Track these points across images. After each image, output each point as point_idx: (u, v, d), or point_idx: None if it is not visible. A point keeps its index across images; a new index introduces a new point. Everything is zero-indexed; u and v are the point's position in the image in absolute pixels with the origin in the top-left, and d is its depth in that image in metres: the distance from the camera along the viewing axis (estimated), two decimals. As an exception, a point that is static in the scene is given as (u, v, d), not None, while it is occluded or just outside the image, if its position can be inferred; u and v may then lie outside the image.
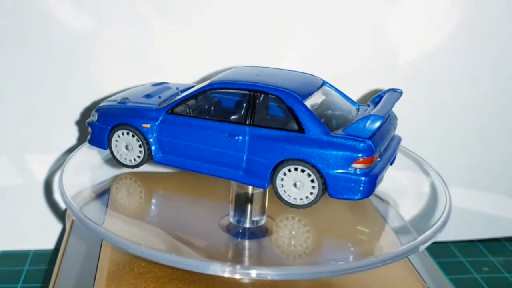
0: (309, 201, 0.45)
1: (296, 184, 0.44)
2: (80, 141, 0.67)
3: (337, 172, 0.43)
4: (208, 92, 0.48)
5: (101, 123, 0.51)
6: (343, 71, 0.68)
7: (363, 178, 0.43)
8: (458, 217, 0.69)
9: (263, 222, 0.50)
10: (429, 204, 0.55)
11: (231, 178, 0.47)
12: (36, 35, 0.62)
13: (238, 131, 0.46)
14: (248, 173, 0.46)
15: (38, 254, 0.70)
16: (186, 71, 0.65)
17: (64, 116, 0.66)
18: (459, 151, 0.73)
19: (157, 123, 0.49)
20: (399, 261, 0.48)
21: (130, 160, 0.51)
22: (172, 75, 0.65)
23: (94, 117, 0.52)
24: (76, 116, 0.66)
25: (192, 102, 0.49)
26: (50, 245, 0.71)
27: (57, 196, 0.69)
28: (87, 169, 0.58)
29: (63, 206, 0.69)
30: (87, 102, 0.66)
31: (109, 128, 0.51)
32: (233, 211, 0.50)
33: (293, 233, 0.51)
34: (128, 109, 0.50)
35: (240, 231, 0.49)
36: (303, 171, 0.44)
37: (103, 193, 0.56)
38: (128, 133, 0.50)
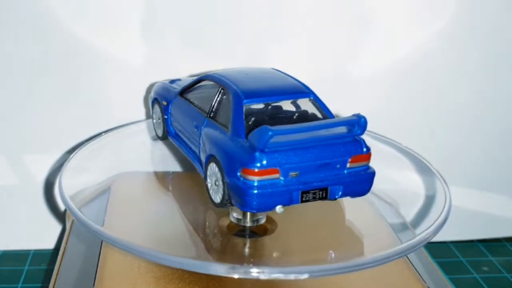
0: (218, 202, 0.44)
1: (216, 182, 0.44)
2: (80, 141, 0.67)
3: (231, 177, 0.42)
4: (200, 82, 0.52)
5: (152, 93, 0.59)
6: (344, 72, 0.68)
7: (250, 190, 0.40)
8: (458, 217, 0.69)
9: (263, 221, 0.50)
10: (429, 203, 0.55)
11: (193, 163, 0.50)
12: (36, 33, 0.62)
13: (200, 121, 0.48)
14: (199, 162, 0.48)
15: (38, 254, 0.70)
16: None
17: (64, 116, 0.66)
18: (459, 151, 0.73)
19: (171, 102, 0.55)
20: (399, 261, 0.48)
21: (158, 132, 0.59)
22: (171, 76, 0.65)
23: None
24: (76, 116, 0.66)
25: (196, 89, 0.53)
26: (50, 245, 0.71)
27: (58, 197, 0.69)
28: (87, 169, 0.58)
29: (63, 206, 0.69)
30: (87, 102, 0.66)
31: (151, 99, 0.59)
32: (233, 210, 0.50)
33: (293, 232, 0.51)
34: (164, 88, 0.57)
35: (240, 230, 0.49)
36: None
37: (102, 194, 0.56)
38: (157, 108, 0.58)
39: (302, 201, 0.42)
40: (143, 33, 0.64)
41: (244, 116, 0.44)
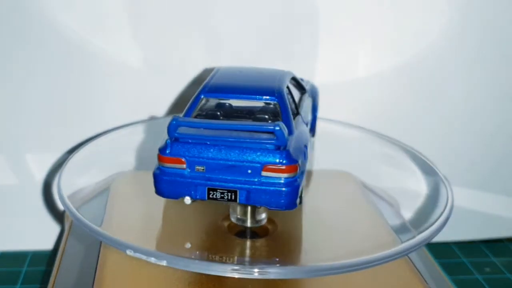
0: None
1: None
2: (80, 142, 0.67)
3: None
4: None
5: None
6: (347, 71, 0.68)
7: (159, 176, 0.43)
8: (460, 217, 0.68)
9: (264, 222, 0.50)
10: (431, 203, 0.54)
11: None
12: (36, 35, 0.62)
13: None
14: None
15: (37, 255, 0.70)
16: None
17: (64, 116, 0.66)
18: (461, 151, 0.73)
19: None
20: (401, 262, 0.48)
21: None
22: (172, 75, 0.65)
23: None
24: (77, 116, 0.66)
25: None
26: (49, 246, 0.71)
27: (56, 197, 0.69)
28: (86, 169, 0.58)
29: (62, 206, 0.68)
30: (87, 102, 0.65)
31: None
32: (234, 211, 0.50)
33: (294, 232, 0.50)
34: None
35: (241, 231, 0.49)
36: None
37: (102, 194, 0.56)
38: None
39: (210, 198, 0.43)
40: (141, 33, 0.64)
41: (195, 107, 0.46)
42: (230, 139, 0.42)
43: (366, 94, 0.68)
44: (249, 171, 0.42)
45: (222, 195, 0.42)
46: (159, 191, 0.43)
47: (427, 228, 0.45)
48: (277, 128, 0.41)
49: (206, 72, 0.64)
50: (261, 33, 0.65)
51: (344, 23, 0.66)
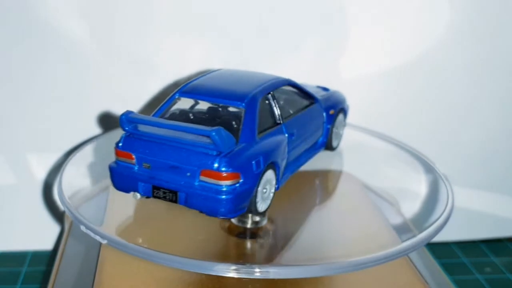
0: None
1: None
2: (81, 142, 0.67)
3: None
4: None
5: None
6: (347, 71, 0.67)
7: (111, 168, 0.45)
8: (461, 217, 0.69)
9: (264, 222, 0.50)
10: (432, 202, 0.54)
11: None
12: (36, 36, 0.62)
13: None
14: None
15: (36, 255, 0.70)
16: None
17: (64, 116, 0.66)
18: (462, 151, 0.73)
19: None
20: (401, 261, 0.48)
21: None
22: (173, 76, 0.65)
23: None
24: (77, 116, 0.66)
25: None
26: (49, 246, 0.71)
27: (56, 197, 0.69)
28: (87, 169, 0.58)
29: (62, 207, 0.68)
30: (87, 102, 0.65)
31: None
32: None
33: (294, 232, 0.50)
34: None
35: (241, 231, 0.49)
36: None
37: (102, 194, 0.55)
38: None
39: (154, 196, 0.43)
40: (143, 32, 0.64)
41: (168, 105, 0.47)
42: (172, 140, 0.42)
43: (366, 94, 0.68)
44: (188, 174, 0.41)
45: (164, 195, 0.43)
46: (113, 184, 0.45)
47: (427, 228, 0.45)
48: (213, 133, 0.40)
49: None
50: (270, 35, 0.65)
51: (349, 23, 0.66)
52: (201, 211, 0.42)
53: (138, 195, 0.44)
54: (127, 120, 0.43)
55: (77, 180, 0.55)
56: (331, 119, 0.56)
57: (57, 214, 0.70)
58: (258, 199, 0.44)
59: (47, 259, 0.69)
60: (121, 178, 0.44)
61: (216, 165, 0.40)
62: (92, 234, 0.43)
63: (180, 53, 0.65)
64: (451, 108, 0.71)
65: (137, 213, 0.52)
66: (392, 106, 0.70)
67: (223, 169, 0.40)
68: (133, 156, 0.43)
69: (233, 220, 0.50)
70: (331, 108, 0.56)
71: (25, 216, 0.69)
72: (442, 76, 0.69)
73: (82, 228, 0.44)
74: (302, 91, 0.53)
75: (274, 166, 0.45)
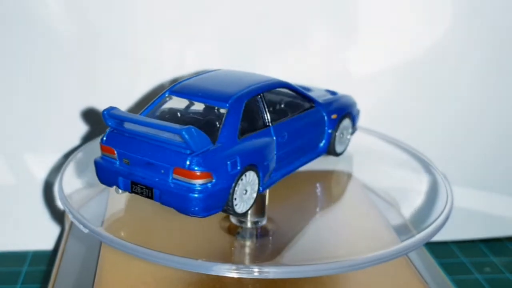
0: None
1: None
2: (81, 142, 0.67)
3: None
4: None
5: None
6: (347, 71, 0.68)
7: (96, 162, 0.46)
8: (460, 217, 0.69)
9: (264, 222, 0.50)
10: (431, 202, 0.54)
11: None
12: (36, 35, 0.62)
13: None
14: None
15: (37, 255, 0.70)
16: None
17: (64, 116, 0.66)
18: (461, 150, 0.73)
19: None
20: (401, 261, 0.48)
21: None
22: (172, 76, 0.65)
23: None
24: (76, 116, 0.66)
25: None
26: (49, 246, 0.71)
27: (56, 197, 0.69)
28: (87, 169, 0.58)
29: (62, 207, 0.68)
30: (87, 102, 0.65)
31: None
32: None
33: (294, 232, 0.50)
34: None
35: (241, 231, 0.49)
36: None
37: (102, 194, 0.55)
38: None
39: (132, 192, 0.44)
40: (145, 32, 0.64)
41: (158, 103, 0.47)
42: (150, 137, 0.42)
43: (367, 94, 0.68)
44: (162, 171, 0.42)
45: (141, 191, 0.43)
46: (97, 177, 0.46)
47: (426, 228, 0.45)
48: (183, 131, 0.40)
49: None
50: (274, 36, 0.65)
51: (351, 21, 0.66)
52: (174, 208, 0.42)
53: (120, 190, 0.45)
54: (108, 115, 0.44)
55: (77, 180, 0.55)
56: (334, 124, 0.55)
57: (57, 214, 0.70)
58: (237, 200, 0.43)
59: (48, 259, 0.69)
60: (104, 173, 0.45)
61: (187, 163, 0.41)
62: (92, 234, 0.43)
63: (180, 53, 0.65)
64: (451, 109, 0.71)
65: (137, 214, 0.53)
66: (392, 106, 0.70)
67: (195, 168, 0.41)
68: (115, 152, 0.44)
69: (233, 220, 0.50)
70: (334, 113, 0.55)
71: (25, 216, 0.69)
72: (441, 77, 0.69)
73: (82, 228, 0.44)
74: (299, 94, 0.52)
75: (256, 167, 0.45)
